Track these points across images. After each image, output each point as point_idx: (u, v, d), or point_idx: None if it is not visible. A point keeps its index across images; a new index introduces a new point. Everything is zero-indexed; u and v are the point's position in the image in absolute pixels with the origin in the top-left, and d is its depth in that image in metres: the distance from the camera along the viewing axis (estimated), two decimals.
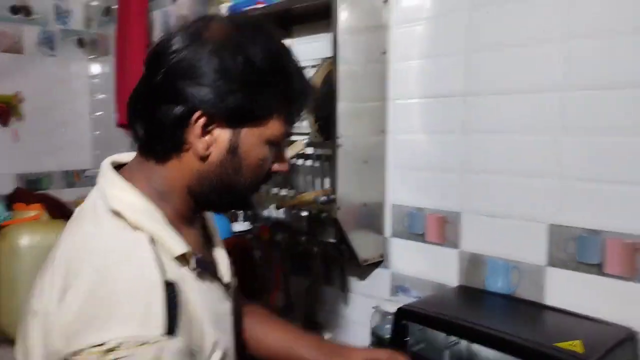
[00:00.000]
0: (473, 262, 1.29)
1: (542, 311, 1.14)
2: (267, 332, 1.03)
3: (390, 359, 0.98)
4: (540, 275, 1.17)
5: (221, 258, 0.89)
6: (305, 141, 1.36)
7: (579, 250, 1.11)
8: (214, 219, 0.94)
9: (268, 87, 0.72)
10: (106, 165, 0.78)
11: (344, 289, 1.52)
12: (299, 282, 1.65)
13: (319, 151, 1.47)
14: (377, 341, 1.35)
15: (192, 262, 0.75)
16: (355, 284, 1.56)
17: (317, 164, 1.51)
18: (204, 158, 0.72)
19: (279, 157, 0.79)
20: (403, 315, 1.13)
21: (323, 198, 1.35)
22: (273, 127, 0.74)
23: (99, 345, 0.59)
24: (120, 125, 2.16)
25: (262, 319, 1.06)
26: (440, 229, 1.35)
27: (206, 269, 0.79)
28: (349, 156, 1.34)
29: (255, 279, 1.71)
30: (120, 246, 0.68)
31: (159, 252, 0.70)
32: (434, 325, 1.09)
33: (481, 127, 1.25)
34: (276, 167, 0.79)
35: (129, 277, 0.65)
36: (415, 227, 1.40)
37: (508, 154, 1.21)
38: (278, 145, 0.77)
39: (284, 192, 1.54)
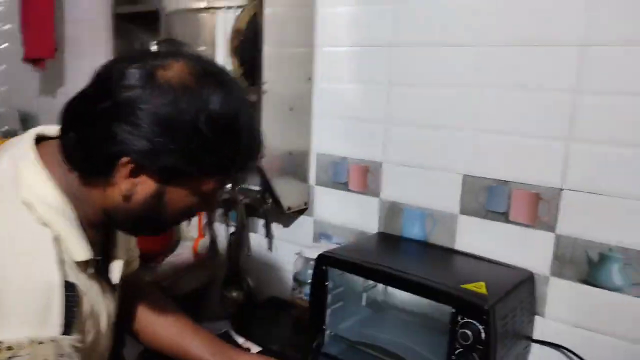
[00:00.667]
0: (392, 210, 1.34)
1: (453, 256, 1.21)
2: (162, 324, 1.00)
3: None
4: (452, 223, 1.24)
5: (118, 257, 0.86)
6: None
7: (489, 199, 1.18)
8: None
9: (210, 152, 0.69)
10: (29, 141, 0.73)
11: (268, 235, 1.53)
12: (223, 229, 1.65)
13: None
14: (299, 285, 1.39)
15: (91, 268, 0.75)
16: (279, 231, 1.57)
17: None
18: (126, 197, 0.70)
19: (209, 204, 0.78)
20: (323, 261, 1.16)
21: None
22: (207, 185, 0.73)
23: None
24: (28, 59, 1.98)
25: (158, 311, 1.01)
26: (363, 178, 1.38)
27: (99, 273, 0.79)
28: (274, 103, 1.32)
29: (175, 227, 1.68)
30: (23, 244, 0.66)
31: (61, 252, 0.68)
32: (351, 270, 1.13)
33: (404, 79, 1.27)
34: (203, 210, 0.78)
35: (26, 277, 0.63)
36: (339, 176, 1.43)
37: (427, 107, 1.24)
38: (209, 195, 0.76)
39: None
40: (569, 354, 1.09)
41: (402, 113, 1.29)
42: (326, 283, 1.17)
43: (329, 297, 1.19)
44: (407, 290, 1.05)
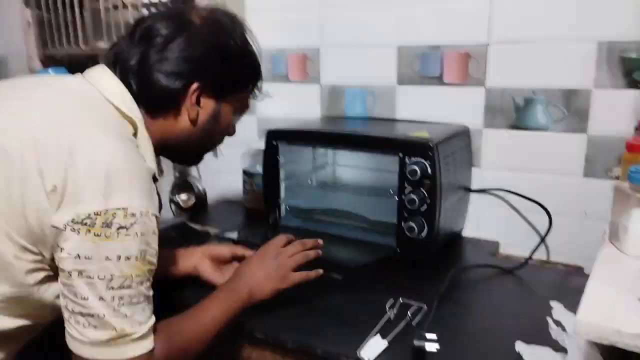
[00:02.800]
0: (333, 94, 1.38)
1: (395, 123, 1.28)
2: None
3: (232, 251, 1.02)
4: (391, 95, 1.30)
5: None
6: None
7: (423, 65, 1.25)
8: None
9: (246, 66, 0.87)
10: (103, 68, 0.80)
11: None
12: None
13: None
14: (249, 177, 1.42)
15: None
16: None
17: None
18: (193, 121, 0.82)
19: (234, 125, 0.92)
20: (273, 136, 1.19)
21: None
22: (243, 100, 0.90)
23: (123, 208, 0.65)
24: None
25: None
26: (302, 66, 1.41)
27: None
28: None
29: None
30: (123, 137, 0.72)
31: None
32: (302, 139, 1.17)
33: None
34: (230, 131, 0.92)
35: (137, 160, 0.70)
36: (278, 69, 1.45)
37: None
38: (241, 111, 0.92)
39: None
40: (504, 195, 1.20)
41: None
42: (277, 157, 1.20)
43: (282, 173, 1.23)
44: (356, 148, 1.11)
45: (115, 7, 1.50)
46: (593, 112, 1.09)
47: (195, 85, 0.80)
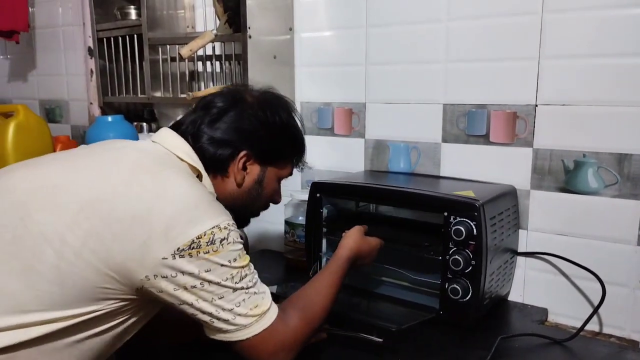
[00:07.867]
0: (377, 148, 1.39)
1: (439, 180, 1.27)
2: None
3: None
4: (436, 152, 1.30)
5: None
6: (214, 32, 1.36)
7: (469, 124, 1.25)
8: None
9: (289, 139, 0.98)
10: (166, 130, 0.92)
11: None
12: None
13: (228, 51, 1.48)
14: (291, 228, 1.42)
15: None
16: None
17: (226, 65, 1.51)
18: (239, 184, 0.92)
19: (279, 192, 1.02)
20: (317, 189, 1.20)
21: None
22: (286, 170, 0.99)
23: (216, 226, 0.76)
24: (1, 32, 1.96)
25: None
26: (348, 120, 1.43)
27: None
28: (259, 51, 1.37)
29: None
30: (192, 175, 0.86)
31: None
32: (345, 193, 1.17)
33: (382, 20, 1.34)
34: (275, 199, 1.01)
35: (205, 189, 0.84)
36: (324, 122, 1.48)
37: (404, 44, 1.31)
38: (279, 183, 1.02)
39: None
40: (553, 259, 1.16)
41: (381, 53, 1.35)
42: (321, 210, 1.21)
43: (324, 228, 1.22)
44: (401, 205, 1.10)
45: (173, 59, 1.58)
46: None
47: (242, 153, 0.90)
